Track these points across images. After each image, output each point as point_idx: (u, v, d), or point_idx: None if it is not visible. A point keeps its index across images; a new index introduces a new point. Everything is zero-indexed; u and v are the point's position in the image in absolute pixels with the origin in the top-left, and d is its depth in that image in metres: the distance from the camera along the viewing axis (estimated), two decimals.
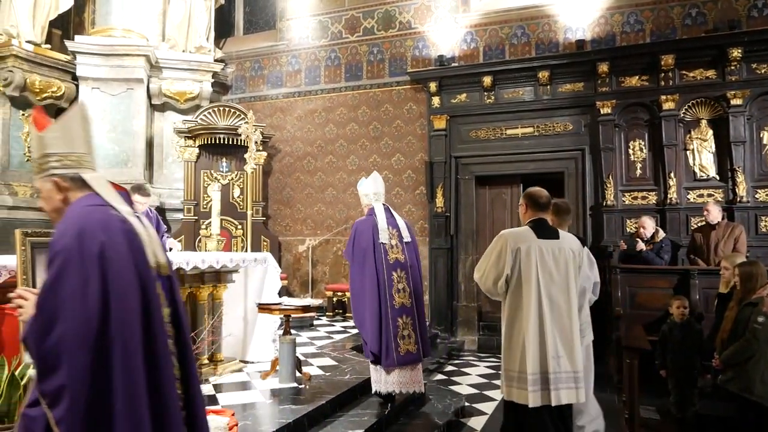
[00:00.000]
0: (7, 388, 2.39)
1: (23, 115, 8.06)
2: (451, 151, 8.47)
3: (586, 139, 7.79)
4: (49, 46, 8.18)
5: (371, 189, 4.77)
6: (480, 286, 3.40)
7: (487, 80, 8.10)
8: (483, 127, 8.35)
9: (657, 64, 7.28)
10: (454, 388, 5.94)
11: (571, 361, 3.09)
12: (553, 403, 3.01)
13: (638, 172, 7.51)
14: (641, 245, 6.44)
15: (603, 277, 7.05)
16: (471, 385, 6.19)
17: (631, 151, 7.56)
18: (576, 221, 7.83)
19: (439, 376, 6.60)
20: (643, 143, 7.52)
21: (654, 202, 7.38)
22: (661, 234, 6.55)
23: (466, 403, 5.29)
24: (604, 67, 7.50)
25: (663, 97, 7.26)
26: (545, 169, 8.14)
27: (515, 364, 3.12)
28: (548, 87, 7.97)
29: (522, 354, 3.08)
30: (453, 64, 8.47)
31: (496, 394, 5.77)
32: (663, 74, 7.32)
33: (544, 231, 3.26)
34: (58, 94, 8.21)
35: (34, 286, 2.74)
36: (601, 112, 7.56)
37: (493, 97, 8.25)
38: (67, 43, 8.05)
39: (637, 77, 7.53)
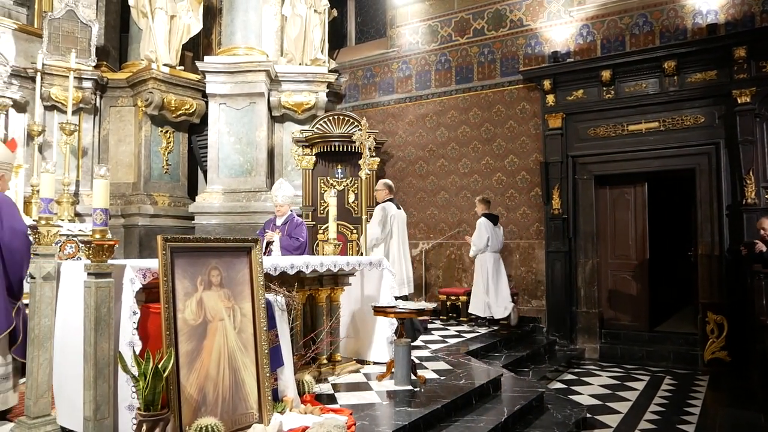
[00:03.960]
0: (152, 379, 2.63)
1: (161, 131, 8.87)
2: (567, 151, 8.13)
3: (721, 132, 7.13)
4: (182, 67, 8.94)
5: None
6: (374, 237, 6.56)
7: (606, 74, 7.68)
8: (602, 124, 7.92)
9: None
10: (574, 397, 5.68)
11: (408, 271, 6.84)
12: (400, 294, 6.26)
13: None
14: (761, 246, 5.84)
15: (744, 283, 6.45)
16: (593, 396, 5.88)
17: None
18: (710, 222, 7.21)
19: (558, 385, 6.34)
20: None
21: None
22: None
23: (588, 415, 5.03)
24: (741, 52, 6.82)
25: None
26: (673, 166, 7.56)
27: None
28: (675, 78, 7.40)
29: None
30: (568, 60, 8.13)
31: (622, 407, 5.45)
32: None
33: (395, 204, 6.86)
34: (190, 111, 8.94)
35: (173, 285, 3.01)
36: (739, 102, 6.89)
37: (612, 92, 7.81)
38: (198, 63, 8.74)
39: None
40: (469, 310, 7.90)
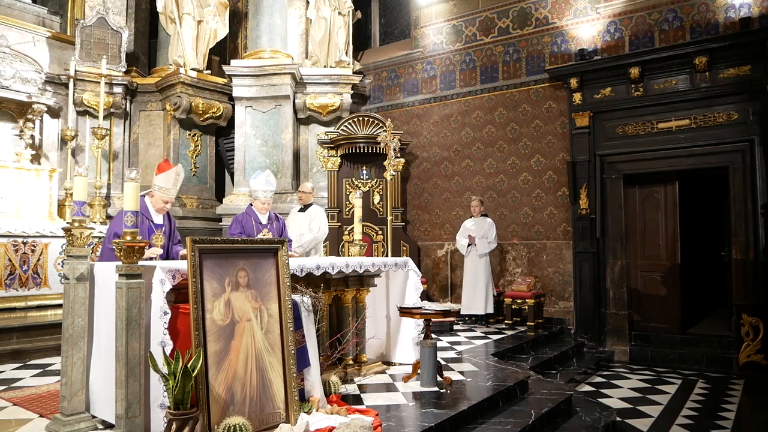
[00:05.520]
0: (181, 378, 2.67)
1: (189, 134, 9.01)
2: (595, 150, 8.00)
3: (756, 128, 6.94)
4: (209, 71, 9.08)
5: None
6: (321, 239, 6.63)
7: (635, 71, 7.54)
8: (631, 122, 7.78)
9: None
10: (603, 401, 5.58)
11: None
12: None
13: None
14: None
15: None
16: (622, 399, 5.78)
17: None
18: (745, 221, 7.02)
19: (587, 387, 6.25)
20: None
21: None
22: None
23: (618, 418, 4.94)
24: None
25: None
26: (705, 164, 7.39)
27: None
28: (707, 73, 7.23)
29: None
30: (595, 58, 8.01)
31: (653, 410, 5.35)
32: None
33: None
34: (218, 114, 9.08)
35: (201, 286, 3.05)
36: None
37: (641, 89, 7.67)
38: (224, 67, 8.87)
39: None
40: (472, 311, 8.11)
